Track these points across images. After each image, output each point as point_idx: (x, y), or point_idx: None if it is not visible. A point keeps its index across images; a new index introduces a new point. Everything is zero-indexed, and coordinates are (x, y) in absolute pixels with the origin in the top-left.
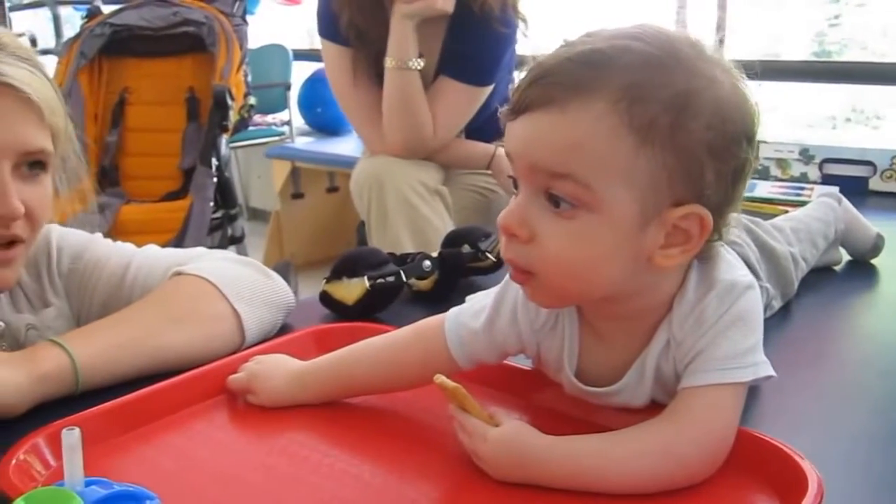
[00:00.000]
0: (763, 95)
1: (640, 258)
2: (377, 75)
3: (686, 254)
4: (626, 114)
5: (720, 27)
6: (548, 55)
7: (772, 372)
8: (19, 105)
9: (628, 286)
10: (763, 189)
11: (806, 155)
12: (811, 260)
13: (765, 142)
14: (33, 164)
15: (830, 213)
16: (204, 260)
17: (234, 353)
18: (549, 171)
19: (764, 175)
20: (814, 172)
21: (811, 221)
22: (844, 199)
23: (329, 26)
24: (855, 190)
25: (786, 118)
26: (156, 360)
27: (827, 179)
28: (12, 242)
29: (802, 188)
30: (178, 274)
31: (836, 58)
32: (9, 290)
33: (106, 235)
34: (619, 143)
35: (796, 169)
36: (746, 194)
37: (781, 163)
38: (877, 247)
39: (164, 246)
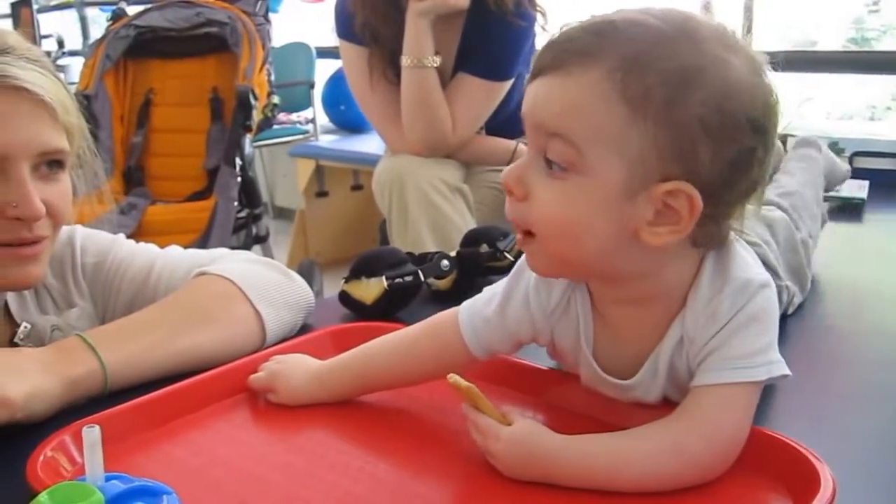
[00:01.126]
0: (798, 86)
1: (627, 229)
2: (395, 74)
3: (674, 234)
4: (621, 83)
5: (748, 9)
6: (571, 24)
7: (786, 371)
8: (33, 107)
9: (623, 264)
10: None
11: (835, 148)
12: (815, 234)
13: (792, 135)
14: (51, 163)
15: (817, 169)
16: (226, 261)
17: (255, 352)
18: (547, 130)
19: None
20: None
21: (804, 190)
22: (822, 145)
23: (346, 26)
24: (887, 183)
25: (821, 109)
26: (181, 361)
27: (857, 173)
28: (36, 241)
29: None
30: (202, 274)
31: (874, 45)
32: (37, 286)
33: (132, 236)
34: (610, 110)
35: None
36: None
37: None
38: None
39: (189, 246)
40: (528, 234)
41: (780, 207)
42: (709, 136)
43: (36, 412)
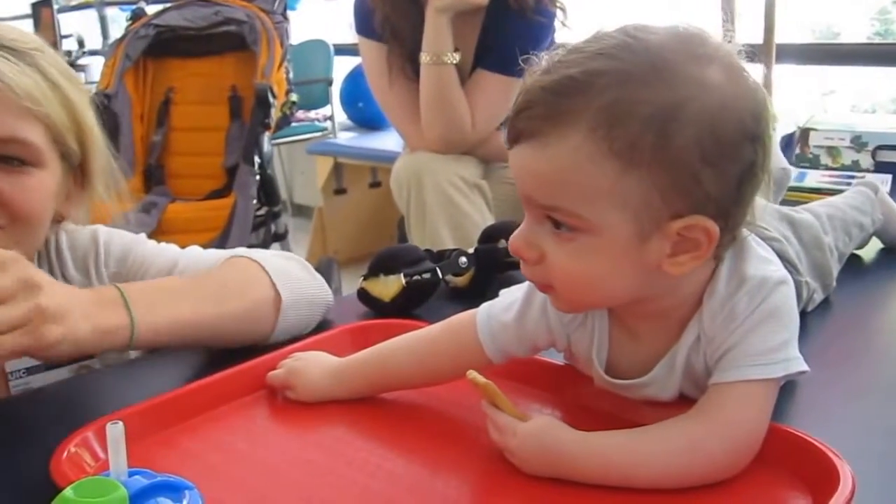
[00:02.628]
0: (821, 79)
1: (649, 268)
2: (414, 71)
3: (697, 260)
4: (605, 140)
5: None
6: (530, 82)
7: (805, 367)
8: None
9: (649, 291)
10: (812, 178)
11: (858, 142)
12: (843, 249)
13: (814, 129)
14: (9, 158)
15: (868, 203)
16: (253, 253)
17: (267, 336)
18: (542, 205)
19: (814, 164)
20: (866, 160)
21: (848, 209)
22: (882, 189)
23: (365, 23)
24: None
25: (845, 102)
26: (204, 333)
27: (880, 167)
28: None
29: (853, 177)
30: (232, 257)
31: None
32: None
33: (153, 233)
34: (600, 170)
35: (847, 157)
36: (795, 183)
37: (832, 151)
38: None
39: (208, 243)
40: (547, 286)
41: (812, 213)
42: (708, 164)
43: (62, 355)
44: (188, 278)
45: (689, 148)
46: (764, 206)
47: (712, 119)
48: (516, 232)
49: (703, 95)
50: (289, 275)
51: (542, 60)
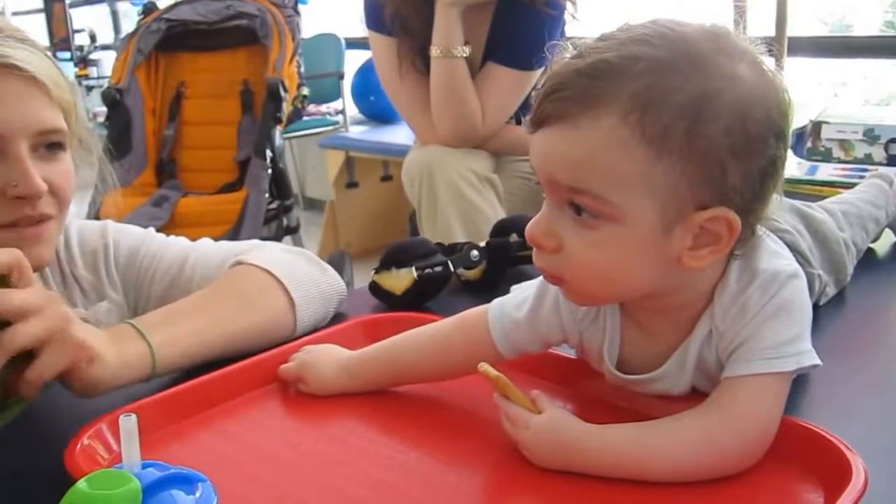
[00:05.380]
0: (833, 72)
1: (668, 260)
2: (424, 65)
3: (716, 254)
4: (638, 125)
5: None
6: (560, 65)
7: (817, 361)
8: (25, 85)
9: (663, 285)
10: (824, 172)
11: (871, 135)
12: (861, 245)
13: (827, 122)
14: (51, 145)
15: (882, 197)
16: (260, 251)
17: (288, 340)
18: (566, 186)
19: (826, 157)
20: (878, 153)
21: (862, 205)
22: (895, 178)
23: (375, 17)
24: None
25: (857, 95)
26: (221, 349)
27: (893, 160)
28: (41, 220)
29: (866, 170)
30: (239, 263)
31: None
32: (44, 268)
33: (165, 227)
34: (632, 155)
35: (860, 150)
36: (807, 177)
37: (844, 144)
38: None
39: (221, 237)
40: (559, 279)
41: (826, 210)
42: (736, 157)
43: (97, 380)
44: (201, 296)
45: (720, 138)
46: (777, 200)
47: (742, 111)
48: (534, 219)
49: (735, 88)
50: (299, 275)
51: (570, 47)
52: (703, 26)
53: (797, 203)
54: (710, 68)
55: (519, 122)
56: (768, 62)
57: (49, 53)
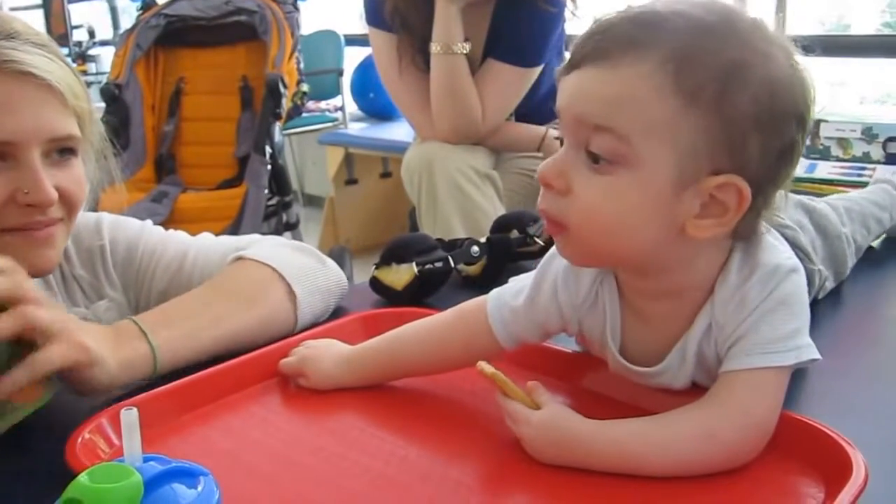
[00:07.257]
0: (830, 71)
1: (674, 224)
2: (424, 62)
3: (720, 227)
4: (674, 75)
5: None
6: (608, 14)
7: (816, 355)
8: (40, 92)
9: (660, 257)
10: (823, 170)
11: (869, 133)
12: (861, 242)
13: (825, 120)
14: (63, 150)
15: (887, 199)
16: (260, 246)
17: (290, 334)
18: (592, 123)
19: (825, 155)
20: (877, 152)
21: (866, 203)
22: None
23: (375, 14)
24: None
25: (855, 94)
26: (223, 345)
27: (891, 159)
28: (50, 224)
29: (864, 168)
30: (239, 259)
31: None
32: (51, 271)
33: (164, 223)
34: (663, 102)
35: (858, 148)
36: (806, 175)
37: (843, 142)
38: None
39: (220, 232)
40: (560, 226)
41: (830, 205)
42: (759, 130)
43: (97, 382)
44: (202, 293)
45: (747, 108)
46: (782, 196)
47: (772, 88)
48: (546, 160)
49: (768, 65)
50: (300, 268)
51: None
52: (749, 12)
53: (802, 197)
54: (748, 42)
55: (518, 120)
56: (799, 58)
57: (68, 60)
